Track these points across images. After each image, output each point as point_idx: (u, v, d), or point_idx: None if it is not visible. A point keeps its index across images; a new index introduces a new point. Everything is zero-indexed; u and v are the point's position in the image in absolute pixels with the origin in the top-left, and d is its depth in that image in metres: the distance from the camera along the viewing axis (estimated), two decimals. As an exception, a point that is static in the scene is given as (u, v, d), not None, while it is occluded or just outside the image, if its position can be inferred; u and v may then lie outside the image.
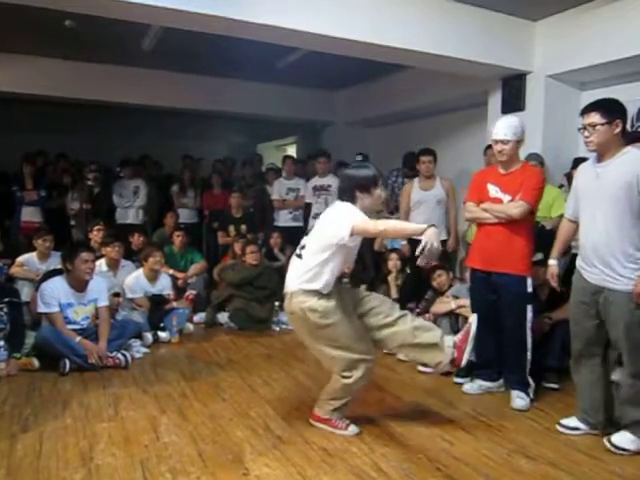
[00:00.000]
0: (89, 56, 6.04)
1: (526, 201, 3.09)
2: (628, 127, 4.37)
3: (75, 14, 3.88)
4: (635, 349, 2.58)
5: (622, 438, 2.65)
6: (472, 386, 3.44)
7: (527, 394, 3.21)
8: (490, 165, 4.06)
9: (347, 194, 2.72)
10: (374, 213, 3.01)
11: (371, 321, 2.79)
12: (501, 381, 3.44)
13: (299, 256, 2.76)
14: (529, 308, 3.18)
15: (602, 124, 2.54)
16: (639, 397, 2.62)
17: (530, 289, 3.19)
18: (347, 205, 2.69)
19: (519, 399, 3.18)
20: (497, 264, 3.20)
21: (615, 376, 3.67)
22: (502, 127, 3.15)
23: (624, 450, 2.61)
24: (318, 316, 2.64)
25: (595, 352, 2.77)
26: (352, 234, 2.55)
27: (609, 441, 2.65)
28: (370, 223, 2.56)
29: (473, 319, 2.82)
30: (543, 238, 3.47)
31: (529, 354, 3.21)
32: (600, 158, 2.65)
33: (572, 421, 2.87)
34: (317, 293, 2.66)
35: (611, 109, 2.57)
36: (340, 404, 2.81)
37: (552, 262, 2.99)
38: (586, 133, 2.61)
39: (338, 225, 2.59)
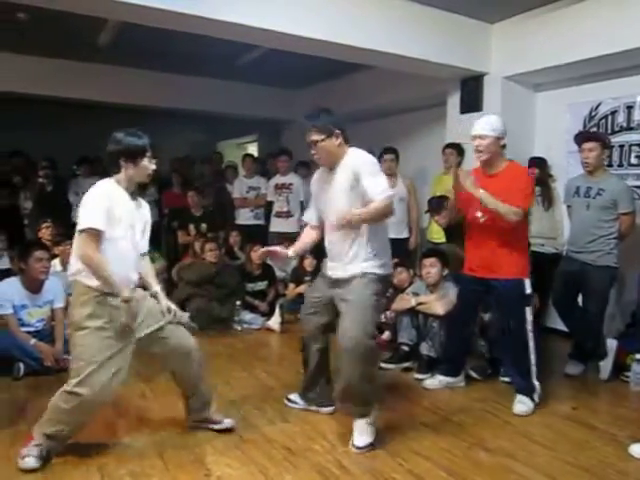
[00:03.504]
0: (43, 50, 5.84)
1: (520, 207, 2.96)
2: (581, 127, 4.58)
3: (28, 6, 3.75)
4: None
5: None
6: (432, 382, 3.49)
7: (532, 399, 3.11)
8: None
9: (112, 160, 2.51)
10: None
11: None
12: (461, 376, 3.50)
13: None
14: (528, 310, 3.11)
15: (322, 140, 2.65)
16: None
17: (529, 290, 3.11)
18: (92, 195, 2.42)
19: (520, 404, 3.09)
20: (496, 271, 3.12)
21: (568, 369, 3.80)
22: (479, 123, 3.09)
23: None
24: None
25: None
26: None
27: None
28: (85, 244, 2.35)
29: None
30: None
31: (533, 357, 3.13)
32: (330, 169, 2.77)
33: None
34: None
35: (325, 126, 2.67)
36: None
37: None
38: (312, 151, 2.72)
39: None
